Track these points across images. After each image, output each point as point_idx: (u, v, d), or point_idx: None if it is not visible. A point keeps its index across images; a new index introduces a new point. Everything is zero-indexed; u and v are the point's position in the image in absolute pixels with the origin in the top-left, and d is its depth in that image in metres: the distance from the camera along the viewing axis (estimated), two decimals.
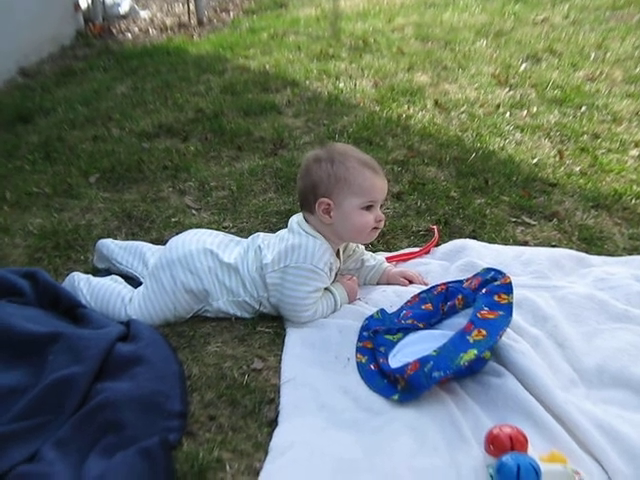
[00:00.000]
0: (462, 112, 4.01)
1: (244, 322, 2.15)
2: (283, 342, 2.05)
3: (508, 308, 1.88)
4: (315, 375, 1.89)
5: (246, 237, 2.31)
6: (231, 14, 7.28)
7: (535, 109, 4.03)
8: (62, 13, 6.08)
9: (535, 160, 3.34)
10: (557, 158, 3.36)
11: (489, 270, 2.07)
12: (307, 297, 2.11)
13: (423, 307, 2.11)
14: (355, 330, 2.07)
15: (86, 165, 3.31)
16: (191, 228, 2.47)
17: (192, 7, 6.87)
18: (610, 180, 3.13)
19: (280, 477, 1.57)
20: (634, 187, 3.04)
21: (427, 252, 2.56)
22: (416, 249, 2.57)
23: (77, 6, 6.30)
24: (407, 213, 2.84)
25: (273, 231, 2.37)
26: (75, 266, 2.49)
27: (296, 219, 2.22)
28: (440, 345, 1.82)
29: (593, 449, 1.59)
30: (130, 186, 3.14)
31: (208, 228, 2.55)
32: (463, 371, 1.78)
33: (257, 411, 1.78)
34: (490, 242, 2.60)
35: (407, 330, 2.03)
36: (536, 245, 2.61)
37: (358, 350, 1.99)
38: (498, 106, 4.08)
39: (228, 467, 1.61)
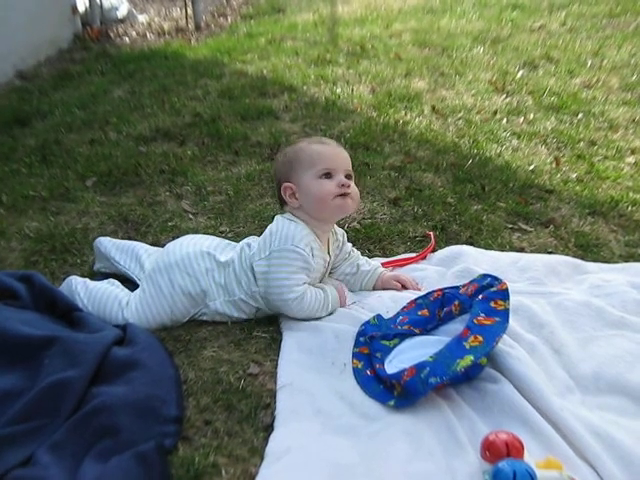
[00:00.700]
0: (459, 118, 4.02)
1: (240, 327, 2.15)
2: (279, 347, 2.04)
3: (504, 314, 1.88)
4: (311, 380, 1.89)
5: None
6: (229, 19, 7.29)
7: (532, 116, 4.04)
8: (60, 16, 6.08)
9: (532, 167, 3.35)
10: (553, 165, 3.38)
11: (485, 276, 2.07)
12: (290, 278, 2.10)
13: (419, 313, 2.11)
14: (351, 335, 2.06)
15: (83, 168, 3.31)
16: (188, 232, 2.49)
17: (190, 12, 6.87)
18: (606, 187, 3.14)
19: None
20: (630, 194, 3.05)
21: (423, 258, 2.56)
22: (413, 255, 2.57)
23: (75, 9, 6.30)
24: (404, 219, 2.84)
25: None
26: (71, 270, 2.49)
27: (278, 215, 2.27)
28: (436, 351, 1.82)
29: (589, 455, 1.59)
30: (127, 190, 3.13)
31: (205, 233, 2.57)
32: (459, 377, 1.78)
33: (253, 416, 1.77)
34: (487, 248, 2.60)
35: (403, 336, 2.03)
36: (532, 251, 2.62)
37: (354, 356, 1.99)
38: (495, 113, 4.10)
39: (224, 472, 1.60)
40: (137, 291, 2.24)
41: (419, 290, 2.32)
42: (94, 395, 1.76)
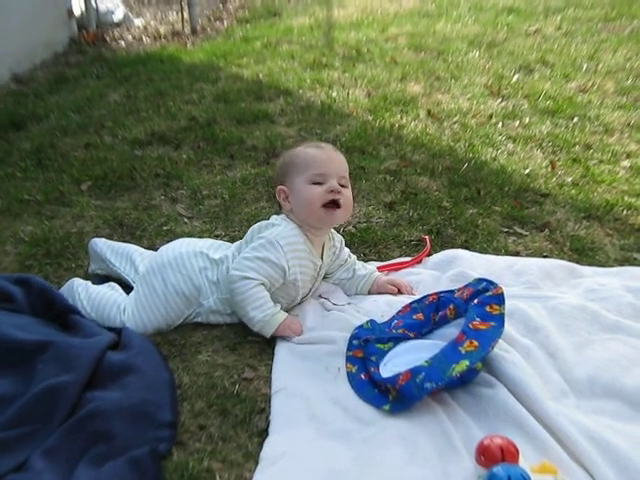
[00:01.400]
0: (455, 122, 4.02)
1: (235, 331, 2.14)
2: (274, 351, 2.04)
3: (500, 319, 1.88)
4: (306, 385, 1.89)
5: None
6: (225, 23, 7.28)
7: (527, 120, 4.05)
8: (55, 20, 6.07)
9: (527, 171, 3.35)
10: (549, 169, 3.38)
11: (481, 280, 2.08)
12: (252, 260, 2.09)
13: (414, 317, 2.11)
14: (345, 340, 2.06)
15: (78, 172, 3.30)
16: (183, 236, 2.48)
17: (186, 16, 6.87)
18: (602, 191, 3.14)
19: None
20: (626, 198, 3.05)
21: (419, 262, 2.56)
22: (408, 259, 2.57)
23: (71, 13, 6.29)
24: (399, 223, 2.84)
25: None
26: (66, 274, 2.48)
27: None
28: (432, 355, 1.82)
29: (584, 460, 1.59)
30: (122, 194, 3.13)
31: (200, 237, 2.58)
32: (455, 382, 1.77)
33: (248, 421, 1.77)
34: (482, 252, 2.60)
35: (398, 339, 2.03)
36: (528, 255, 2.62)
37: (348, 359, 1.99)
38: (490, 116, 4.10)
39: (218, 477, 1.60)
40: (132, 294, 2.24)
41: (414, 294, 2.32)
42: (88, 400, 1.76)
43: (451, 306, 2.06)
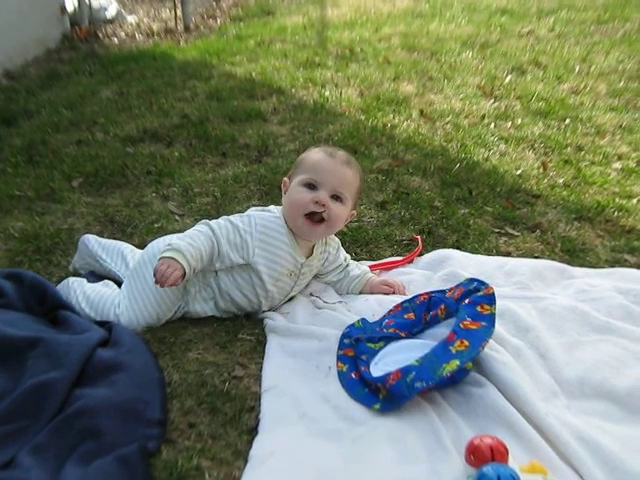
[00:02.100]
0: (447, 122, 4.02)
1: (226, 329, 2.14)
2: (264, 350, 2.04)
3: (491, 319, 1.88)
4: (296, 383, 1.88)
5: None
6: (218, 21, 7.27)
7: (520, 121, 4.06)
8: (48, 16, 6.04)
9: (519, 171, 3.36)
10: (541, 170, 3.39)
11: (472, 280, 2.08)
12: (224, 219, 2.14)
13: (405, 316, 2.11)
14: (336, 338, 2.05)
15: (69, 169, 3.29)
16: (173, 234, 2.46)
17: (179, 13, 6.86)
18: (593, 192, 3.15)
19: None
20: (617, 200, 3.06)
21: (410, 261, 2.56)
22: (399, 258, 2.57)
23: (63, 9, 6.27)
24: (391, 222, 2.84)
25: None
26: (56, 270, 2.47)
27: None
28: (422, 355, 1.81)
29: (573, 460, 1.59)
30: (113, 191, 3.11)
31: None
32: (445, 381, 1.77)
33: (237, 419, 1.76)
34: (473, 252, 2.60)
35: (389, 339, 2.03)
36: (519, 256, 2.62)
37: (339, 358, 1.98)
38: (483, 117, 4.11)
39: (207, 475, 1.59)
40: (123, 287, 2.24)
41: (405, 294, 2.32)
42: (77, 397, 1.75)
43: (442, 306, 2.06)
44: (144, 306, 2.14)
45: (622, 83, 4.77)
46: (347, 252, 2.49)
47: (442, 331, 1.97)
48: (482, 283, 2.03)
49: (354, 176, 2.20)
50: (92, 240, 2.45)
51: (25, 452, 1.62)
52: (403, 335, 2.04)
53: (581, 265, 2.57)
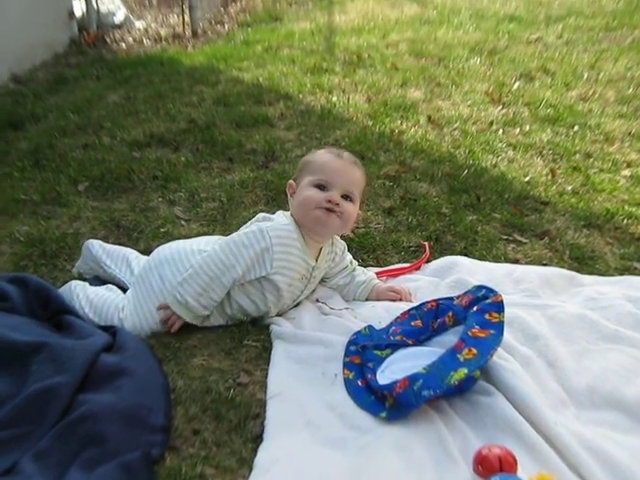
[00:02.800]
0: (455, 129, 4.01)
1: (231, 335, 2.12)
2: (270, 356, 2.02)
3: (499, 327, 1.85)
4: (301, 390, 1.86)
5: None
6: (226, 26, 7.27)
7: (528, 127, 4.04)
8: (56, 21, 6.06)
9: (527, 178, 3.34)
10: (549, 177, 3.36)
11: (480, 288, 2.05)
12: (237, 245, 2.09)
13: (412, 324, 2.09)
14: (342, 345, 2.04)
15: (75, 173, 3.28)
16: (180, 239, 2.46)
17: (187, 18, 6.87)
18: (602, 200, 3.13)
19: None
20: (626, 207, 3.04)
21: (417, 268, 2.54)
22: (406, 265, 2.55)
23: (71, 14, 6.29)
24: (398, 228, 2.82)
25: None
26: (61, 274, 2.47)
27: None
28: (429, 363, 1.79)
29: (582, 471, 1.56)
30: (119, 195, 3.11)
31: None
32: (452, 390, 1.75)
33: (242, 426, 1.74)
34: (481, 259, 2.58)
35: (396, 346, 2.00)
36: (527, 263, 2.60)
37: (345, 365, 1.97)
38: (491, 123, 4.09)
39: None
40: (128, 292, 2.23)
41: (412, 301, 2.30)
42: (81, 402, 1.73)
43: (450, 313, 2.04)
44: (149, 312, 2.13)
45: (631, 90, 4.74)
46: (354, 258, 2.47)
47: (450, 339, 1.95)
48: (490, 290, 2.01)
49: (361, 176, 2.24)
50: (96, 245, 2.44)
51: (28, 458, 1.60)
52: (410, 342, 2.02)
53: (590, 273, 2.55)
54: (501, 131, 3.98)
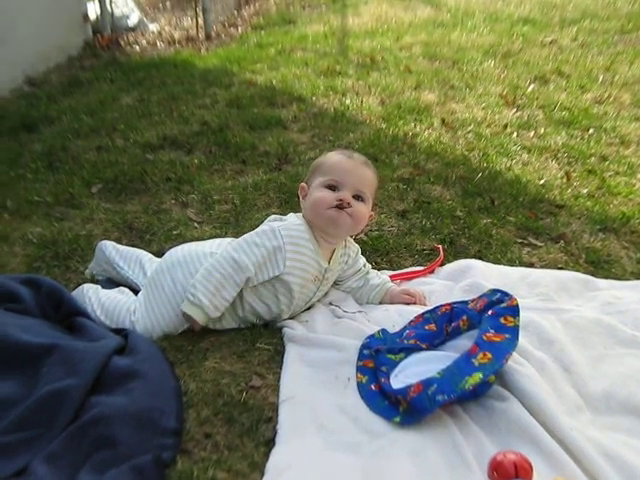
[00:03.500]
0: (469, 131, 3.99)
1: (243, 338, 2.11)
2: (282, 359, 2.01)
3: (514, 331, 1.83)
4: (314, 394, 1.85)
5: None
6: (239, 29, 7.28)
7: (542, 130, 4.01)
8: (70, 23, 6.08)
9: (542, 181, 3.31)
10: (564, 180, 3.34)
11: (495, 291, 2.03)
12: (249, 244, 2.08)
13: (427, 327, 2.07)
14: (356, 349, 2.02)
15: (89, 175, 3.29)
16: (192, 241, 2.45)
17: (200, 21, 6.88)
18: (618, 203, 3.10)
19: None
20: None
21: (431, 272, 2.52)
22: (420, 268, 2.54)
23: (86, 17, 6.31)
24: (412, 231, 2.81)
25: None
26: (74, 276, 2.47)
27: None
28: (444, 367, 1.77)
29: (599, 477, 1.54)
30: (132, 197, 3.11)
31: None
32: (467, 395, 1.73)
33: (254, 430, 1.73)
34: (496, 263, 2.56)
35: (410, 350, 1.99)
36: (542, 267, 2.58)
37: (358, 369, 1.95)
38: (505, 126, 4.06)
39: None
40: (140, 295, 2.22)
41: (426, 305, 2.28)
42: (92, 405, 1.73)
43: (464, 317, 2.01)
44: (160, 315, 2.12)
45: None
46: (367, 261, 2.45)
47: (464, 343, 1.93)
48: (505, 294, 1.99)
49: (373, 176, 2.24)
50: (109, 247, 2.44)
51: (39, 460, 1.60)
52: (424, 347, 2.00)
53: (606, 277, 2.52)
54: (515, 134, 3.95)
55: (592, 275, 2.51)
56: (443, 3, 8.01)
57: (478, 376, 1.70)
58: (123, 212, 2.94)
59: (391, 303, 2.32)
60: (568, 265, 2.61)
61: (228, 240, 2.28)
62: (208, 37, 6.74)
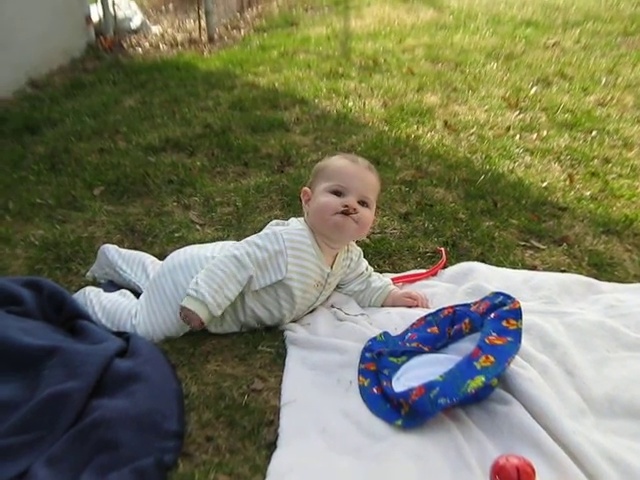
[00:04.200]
0: (471, 134, 3.98)
1: (245, 341, 2.11)
2: (284, 362, 2.00)
3: (517, 334, 1.83)
4: (316, 397, 1.85)
5: None
6: (242, 31, 7.28)
7: (545, 132, 4.00)
8: (74, 26, 6.08)
9: (545, 184, 3.31)
10: (567, 182, 3.33)
11: (498, 294, 2.03)
12: (250, 244, 2.08)
13: (429, 330, 2.07)
14: (357, 352, 2.02)
15: (91, 177, 3.29)
16: (194, 244, 2.45)
17: (203, 24, 6.88)
18: (621, 205, 3.09)
19: None
20: None
21: (434, 274, 2.52)
22: (423, 271, 2.53)
23: (89, 20, 6.31)
24: (414, 234, 2.80)
25: None
26: (76, 279, 2.46)
27: None
28: (446, 370, 1.77)
29: None
30: (134, 199, 3.11)
31: None
32: (469, 398, 1.72)
33: (256, 433, 1.73)
34: (498, 265, 2.56)
35: (412, 353, 1.98)
36: (545, 270, 2.57)
37: (360, 372, 1.95)
38: (508, 129, 4.06)
39: None
40: (141, 298, 2.22)
41: (428, 307, 2.27)
42: (94, 408, 1.72)
43: (467, 320, 2.01)
44: (162, 319, 2.12)
45: None
46: (370, 264, 2.45)
47: (466, 346, 1.92)
48: (508, 297, 1.98)
49: (376, 181, 2.24)
50: (112, 250, 2.44)
51: (40, 463, 1.60)
52: (426, 349, 2.00)
53: (609, 280, 2.52)
54: (518, 136, 3.95)
55: (595, 278, 2.50)
56: (445, 5, 8.00)
57: (480, 379, 1.69)
58: (125, 214, 2.94)
59: (393, 306, 2.31)
60: (571, 268, 2.60)
61: (230, 243, 2.27)
62: (211, 39, 6.74)
